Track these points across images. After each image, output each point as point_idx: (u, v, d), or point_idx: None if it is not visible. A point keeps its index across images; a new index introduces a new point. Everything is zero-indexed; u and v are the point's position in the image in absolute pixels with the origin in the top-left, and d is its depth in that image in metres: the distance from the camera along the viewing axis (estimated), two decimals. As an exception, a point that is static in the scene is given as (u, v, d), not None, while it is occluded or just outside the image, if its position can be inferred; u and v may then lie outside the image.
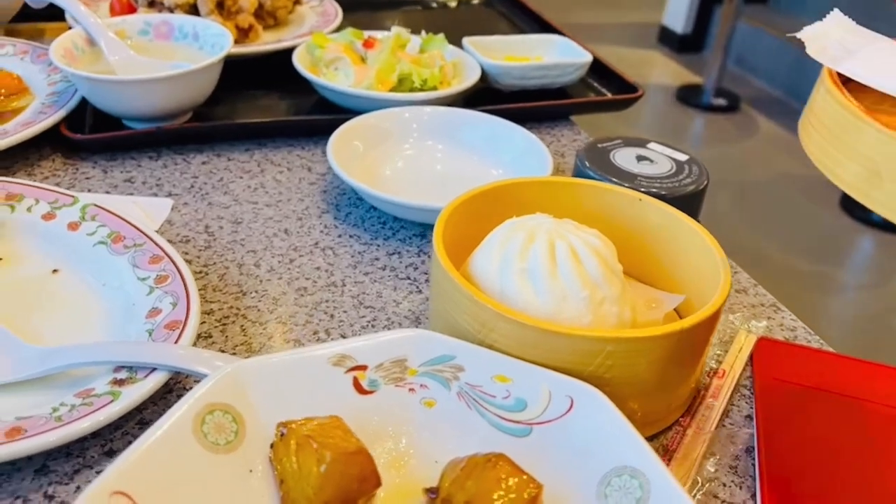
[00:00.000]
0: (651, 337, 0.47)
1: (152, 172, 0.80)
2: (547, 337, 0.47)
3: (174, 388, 0.54)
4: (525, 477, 0.40)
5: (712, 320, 0.51)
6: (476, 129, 0.82)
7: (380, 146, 0.81)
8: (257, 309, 0.63)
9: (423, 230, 0.74)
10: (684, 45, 4.26)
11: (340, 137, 0.78)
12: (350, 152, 0.77)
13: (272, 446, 0.44)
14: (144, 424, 0.51)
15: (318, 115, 0.92)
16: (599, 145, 0.77)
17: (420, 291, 0.66)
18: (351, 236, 0.73)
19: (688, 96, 3.73)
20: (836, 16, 0.47)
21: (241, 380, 0.45)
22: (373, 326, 0.62)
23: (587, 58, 1.01)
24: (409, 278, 0.68)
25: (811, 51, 0.44)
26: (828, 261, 2.32)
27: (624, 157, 0.76)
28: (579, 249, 0.52)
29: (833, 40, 0.44)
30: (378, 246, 0.72)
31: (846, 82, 0.43)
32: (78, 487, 0.47)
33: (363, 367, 0.48)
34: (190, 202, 0.75)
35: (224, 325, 0.61)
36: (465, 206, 0.59)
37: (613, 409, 0.45)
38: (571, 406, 0.46)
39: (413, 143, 0.83)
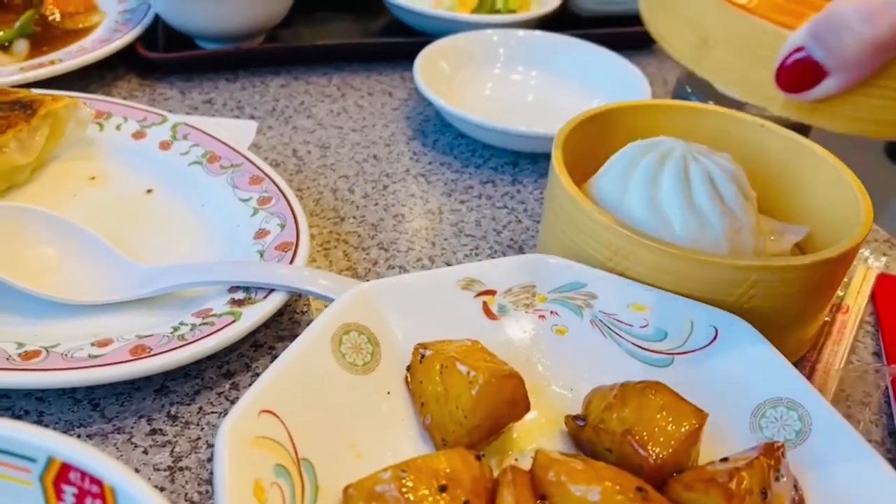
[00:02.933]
0: (799, 266, 0.45)
1: (231, 94, 0.77)
2: (688, 265, 0.45)
3: (285, 311, 0.52)
4: (688, 405, 0.38)
5: (854, 251, 0.48)
6: (568, 55, 0.78)
7: (466, 69, 0.78)
8: (357, 234, 0.61)
9: (515, 159, 0.71)
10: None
11: (426, 60, 0.74)
12: (436, 74, 0.74)
13: (409, 368, 0.43)
14: (259, 347, 0.50)
15: (393, 38, 0.88)
16: (701, 72, 0.73)
17: (520, 221, 0.64)
18: (442, 164, 0.70)
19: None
20: None
21: (372, 299, 0.44)
22: (476, 255, 0.60)
23: (670, -16, 0.96)
24: (506, 207, 0.65)
25: None
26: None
27: (728, 85, 0.72)
28: (715, 174, 0.49)
29: None
30: (470, 174, 0.69)
31: None
32: (200, 408, 0.46)
33: (492, 292, 0.46)
34: (274, 125, 0.73)
35: (326, 249, 0.59)
36: (581, 128, 0.56)
37: (763, 340, 0.43)
38: (716, 336, 0.44)
39: (501, 69, 0.79)
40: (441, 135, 0.74)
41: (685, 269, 0.45)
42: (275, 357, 0.49)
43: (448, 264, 0.59)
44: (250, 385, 0.46)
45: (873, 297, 0.58)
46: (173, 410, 0.45)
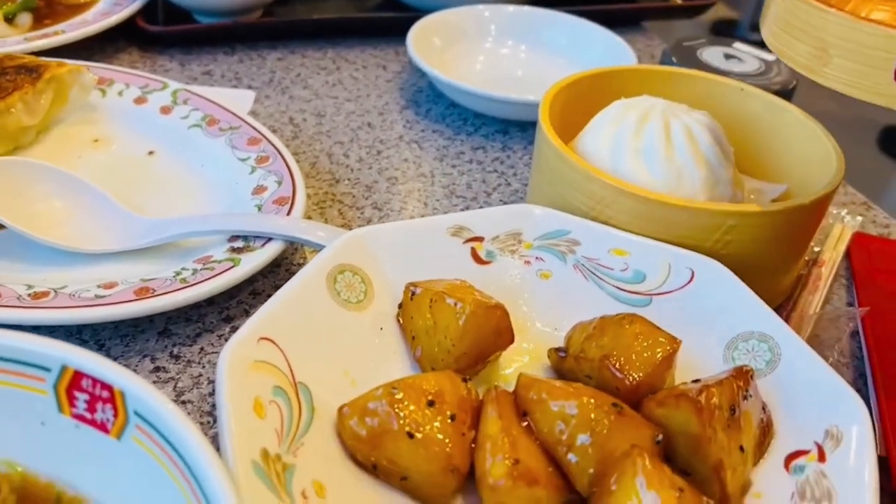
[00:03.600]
0: (773, 212, 0.47)
1: (229, 67, 0.79)
2: (666, 211, 0.47)
3: (282, 262, 0.55)
4: (662, 333, 0.41)
5: (827, 199, 0.50)
6: (558, 29, 0.81)
7: (457, 44, 0.80)
8: (352, 195, 0.63)
9: (505, 126, 0.73)
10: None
11: (419, 33, 0.76)
12: (428, 48, 0.76)
13: (400, 306, 0.45)
14: (257, 295, 0.52)
15: (387, 12, 0.90)
16: (685, 43, 0.76)
17: (509, 184, 0.66)
18: (434, 131, 0.72)
19: (722, 29, 3.64)
20: None
21: (366, 243, 0.46)
22: (467, 214, 0.62)
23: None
24: (496, 171, 0.68)
25: None
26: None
27: (711, 55, 0.74)
28: (694, 129, 0.51)
29: None
30: (462, 141, 0.71)
31: None
32: (201, 349, 0.48)
33: (480, 239, 0.48)
34: (271, 95, 0.75)
35: (322, 208, 0.61)
36: (568, 90, 0.58)
37: (736, 280, 0.45)
38: (692, 278, 0.46)
39: (492, 43, 0.81)
40: (433, 105, 0.76)
41: (663, 215, 0.47)
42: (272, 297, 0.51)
43: (439, 222, 0.61)
44: (249, 327, 0.48)
45: (848, 254, 0.60)
46: (175, 351, 0.48)
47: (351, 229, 0.58)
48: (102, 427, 0.32)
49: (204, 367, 0.47)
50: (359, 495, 0.36)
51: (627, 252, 0.48)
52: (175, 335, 0.49)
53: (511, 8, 0.82)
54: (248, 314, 0.51)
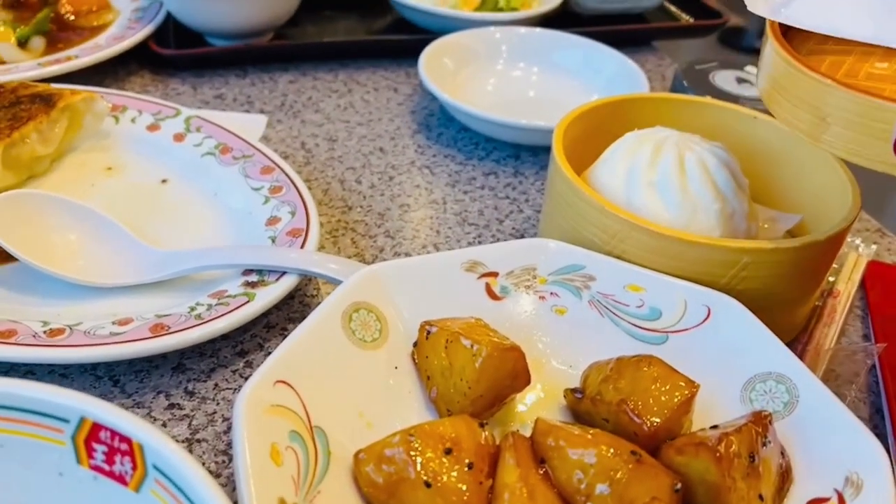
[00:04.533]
0: (789, 248, 0.47)
1: (241, 90, 0.79)
2: (682, 247, 0.47)
3: (296, 294, 0.54)
4: (680, 377, 0.40)
5: (843, 234, 0.50)
6: (569, 52, 0.80)
7: (469, 66, 0.80)
8: (364, 223, 0.63)
9: (516, 151, 0.73)
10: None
11: (431, 55, 0.76)
12: (440, 70, 0.76)
13: (415, 345, 0.45)
14: (271, 328, 0.52)
15: (398, 35, 0.91)
16: (697, 67, 0.76)
17: (521, 211, 0.66)
18: (445, 156, 0.72)
19: (729, 39, 3.63)
20: None
21: (381, 280, 0.46)
22: (479, 242, 0.62)
23: (670, -18, 0.98)
24: (508, 198, 0.67)
25: (752, 7, 0.45)
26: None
27: (723, 79, 0.74)
28: (709, 161, 0.51)
29: None
30: (473, 166, 0.71)
31: (791, 29, 0.44)
32: (216, 384, 0.48)
33: (494, 274, 0.48)
34: (283, 119, 0.75)
35: (335, 237, 0.61)
36: (580, 119, 0.58)
37: (752, 318, 0.45)
38: (709, 315, 0.46)
39: (504, 65, 0.81)
40: (445, 129, 0.76)
41: (679, 250, 0.47)
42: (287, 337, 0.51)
43: (452, 251, 0.61)
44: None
45: (864, 283, 0.60)
46: (190, 387, 0.48)
47: (364, 259, 0.59)
48: (121, 479, 0.32)
49: (218, 403, 0.47)
50: (376, 543, 0.36)
51: (643, 288, 0.47)
52: (189, 370, 0.49)
53: (522, 30, 0.82)
54: (262, 348, 0.51)
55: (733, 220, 0.51)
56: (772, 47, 0.44)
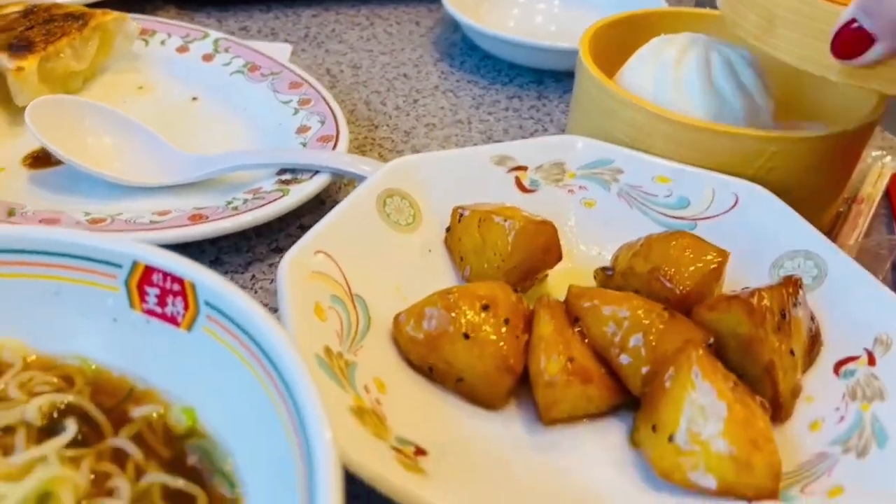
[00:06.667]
0: (816, 137, 0.47)
1: (265, 23, 0.80)
2: (709, 138, 0.47)
3: (326, 200, 0.55)
4: (711, 246, 0.41)
5: (871, 127, 0.50)
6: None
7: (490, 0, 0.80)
8: (391, 139, 0.64)
9: (539, 77, 0.74)
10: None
11: (453, -13, 0.77)
12: (462, 3, 0.77)
13: (448, 230, 0.46)
14: (304, 228, 0.53)
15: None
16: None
17: (546, 129, 0.67)
18: (469, 81, 0.73)
19: None
20: None
21: (413, 169, 0.47)
22: (505, 157, 0.63)
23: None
24: (532, 118, 0.68)
25: None
26: None
27: None
28: (735, 61, 0.51)
29: None
30: (497, 90, 0.72)
31: None
32: (252, 276, 0.49)
33: (524, 168, 0.49)
34: (307, 49, 0.76)
35: (363, 152, 0.62)
36: (607, 29, 0.58)
37: (780, 202, 0.45)
38: (736, 202, 0.47)
39: (525, -2, 0.82)
40: (467, 57, 0.77)
41: (705, 142, 0.48)
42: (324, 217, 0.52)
43: (478, 164, 0.61)
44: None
45: (888, 193, 0.60)
46: (228, 278, 0.48)
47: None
48: (173, 320, 0.33)
49: (256, 292, 0.48)
50: (416, 396, 0.37)
51: (670, 179, 0.48)
52: (227, 264, 0.50)
53: (544, -39, 0.82)
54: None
55: (759, 117, 0.51)
56: None
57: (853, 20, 0.40)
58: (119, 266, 0.33)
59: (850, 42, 0.40)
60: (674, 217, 0.48)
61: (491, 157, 0.49)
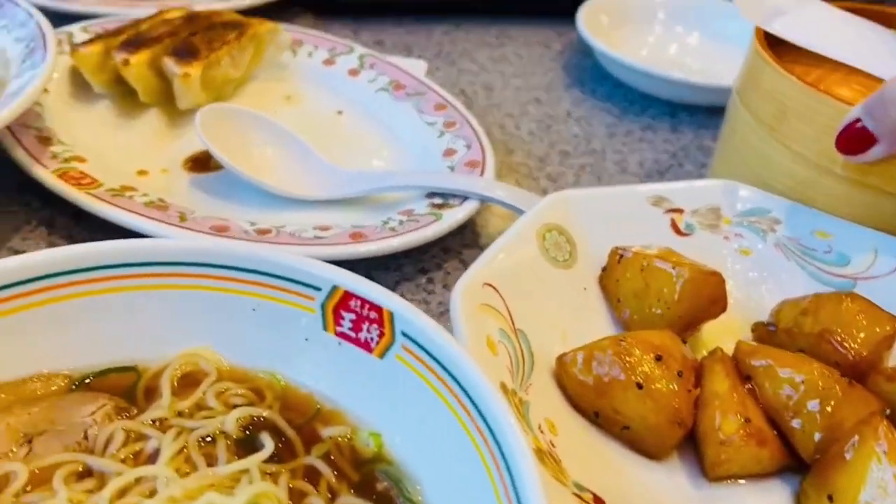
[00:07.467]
0: None
1: (399, 38, 0.82)
2: (875, 198, 0.47)
3: (467, 224, 0.56)
4: (884, 312, 0.40)
5: None
6: (731, 21, 0.79)
7: (625, 26, 0.80)
8: (527, 165, 0.64)
9: (672, 110, 0.73)
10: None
11: (589, 11, 0.77)
12: (596, 27, 0.77)
13: (604, 269, 0.46)
14: (447, 251, 0.54)
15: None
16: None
17: (681, 166, 0.66)
18: (601, 109, 0.73)
19: None
20: None
21: (571, 204, 0.47)
22: (641, 191, 0.63)
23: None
24: (667, 152, 0.68)
25: (743, 11, 0.54)
26: None
27: None
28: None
29: (768, 4, 0.54)
30: (630, 120, 0.72)
31: (779, 42, 0.51)
32: (402, 294, 0.50)
33: (680, 210, 0.49)
34: (441, 67, 0.77)
35: (500, 177, 0.62)
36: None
37: (951, 270, 0.44)
38: (902, 265, 0.46)
39: (661, 28, 0.81)
40: (599, 84, 0.77)
41: (870, 201, 0.47)
42: (462, 260, 0.54)
43: (615, 197, 0.62)
44: (444, 282, 0.51)
45: None
46: (377, 295, 0.50)
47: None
48: (366, 346, 0.34)
49: (405, 312, 0.49)
50: (583, 439, 0.37)
51: (831, 234, 0.47)
52: (378, 281, 0.51)
53: (684, -7, 0.82)
54: (440, 268, 0.53)
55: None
56: (754, 49, 0.51)
57: (858, 120, 0.43)
58: (318, 289, 0.35)
59: (853, 140, 0.44)
60: (833, 274, 0.47)
61: (648, 198, 0.49)
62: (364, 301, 0.34)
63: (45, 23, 0.53)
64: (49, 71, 0.49)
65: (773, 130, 0.49)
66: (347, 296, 0.34)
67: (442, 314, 0.49)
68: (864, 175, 0.45)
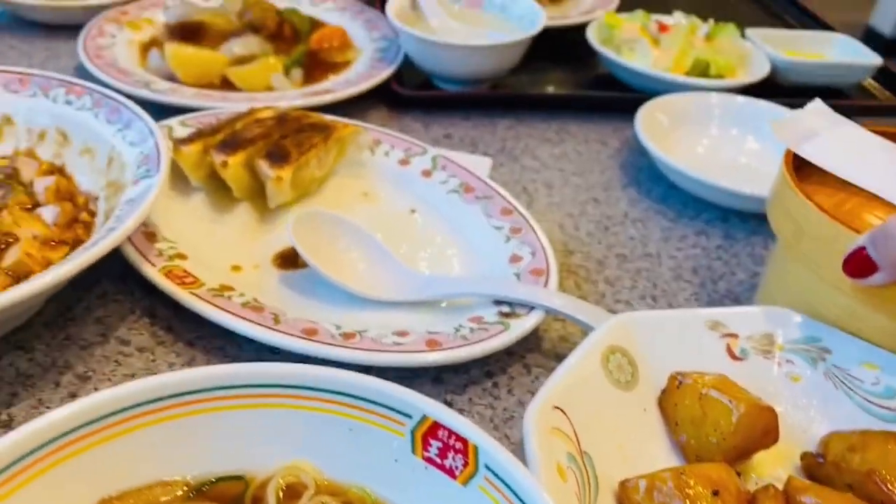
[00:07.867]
0: None
1: (466, 132, 0.87)
2: (888, 321, 0.49)
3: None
4: (932, 458, 0.43)
5: None
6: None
7: (682, 127, 0.84)
8: (585, 268, 0.68)
9: (725, 214, 0.77)
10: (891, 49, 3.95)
11: (647, 112, 0.82)
12: (654, 127, 0.81)
13: (663, 392, 0.49)
14: (512, 355, 0.58)
15: (601, 91, 0.97)
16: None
17: (734, 273, 0.70)
18: (656, 212, 0.77)
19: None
20: (815, 103, 0.61)
21: (633, 327, 0.51)
22: (696, 300, 0.66)
23: (876, 60, 0.99)
24: (720, 259, 0.71)
25: (777, 133, 0.58)
26: None
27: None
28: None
29: (802, 126, 0.57)
30: (684, 224, 0.75)
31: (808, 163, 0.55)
32: (470, 399, 0.54)
33: (735, 335, 0.52)
34: (504, 163, 0.82)
35: (560, 279, 0.66)
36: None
37: None
38: (948, 401, 0.48)
39: (717, 129, 0.85)
40: (654, 185, 0.81)
41: (883, 324, 0.50)
42: (525, 365, 0.58)
43: (670, 305, 0.65)
44: (508, 386, 0.55)
45: None
46: (448, 398, 0.54)
47: (586, 301, 0.64)
48: (451, 472, 0.38)
49: (473, 416, 0.53)
50: (643, 564, 0.40)
51: (879, 367, 0.50)
52: (447, 383, 0.55)
53: (740, 98, 0.86)
54: (505, 372, 0.57)
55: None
56: (781, 170, 0.55)
57: (863, 248, 0.47)
58: (409, 416, 0.39)
59: (858, 265, 0.48)
60: (880, 406, 0.49)
61: (706, 322, 0.52)
62: (451, 432, 0.38)
63: (160, 137, 0.59)
64: (164, 183, 0.55)
65: (791, 247, 0.53)
66: (436, 426, 0.38)
67: (506, 420, 0.53)
68: (870, 297, 0.49)
